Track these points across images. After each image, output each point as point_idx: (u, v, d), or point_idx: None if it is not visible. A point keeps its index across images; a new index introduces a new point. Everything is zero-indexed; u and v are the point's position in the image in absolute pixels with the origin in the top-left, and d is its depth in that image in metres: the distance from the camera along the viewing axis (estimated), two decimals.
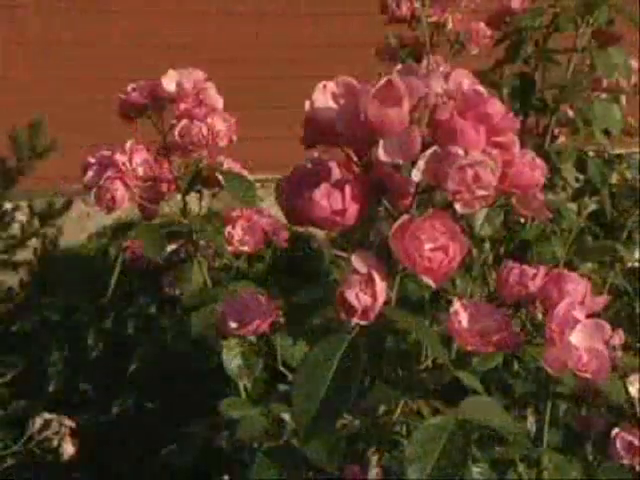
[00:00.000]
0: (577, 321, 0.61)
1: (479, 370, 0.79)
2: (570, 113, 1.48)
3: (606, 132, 1.46)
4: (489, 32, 1.35)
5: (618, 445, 0.99)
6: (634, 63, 1.52)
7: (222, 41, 3.01)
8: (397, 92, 0.55)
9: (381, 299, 0.56)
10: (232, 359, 1.05)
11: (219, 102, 1.11)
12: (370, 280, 0.56)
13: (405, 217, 0.56)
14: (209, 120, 1.08)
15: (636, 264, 1.46)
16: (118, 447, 1.60)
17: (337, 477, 0.74)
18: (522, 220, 1.36)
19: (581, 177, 1.51)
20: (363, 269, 0.56)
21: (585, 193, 1.50)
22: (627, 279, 1.45)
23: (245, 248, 1.11)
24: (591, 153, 1.53)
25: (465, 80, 0.59)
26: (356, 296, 0.55)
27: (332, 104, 0.59)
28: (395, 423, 0.77)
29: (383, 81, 0.55)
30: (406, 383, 0.74)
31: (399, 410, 0.76)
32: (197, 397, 1.58)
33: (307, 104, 0.59)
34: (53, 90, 2.83)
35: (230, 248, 1.11)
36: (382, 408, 0.74)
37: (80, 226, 2.44)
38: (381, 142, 0.56)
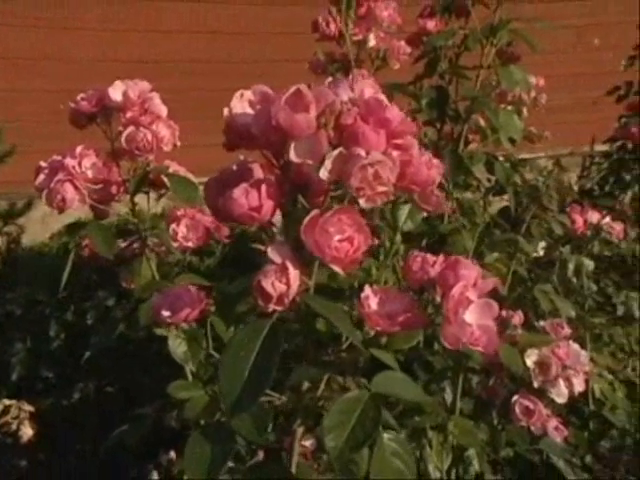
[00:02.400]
0: (470, 301, 0.62)
1: (402, 349, 0.80)
2: (481, 122, 1.50)
3: (511, 139, 1.49)
4: (408, 49, 1.36)
5: (517, 410, 1.01)
6: (533, 79, 1.56)
7: (176, 57, 2.98)
8: (305, 99, 0.55)
9: (295, 287, 0.56)
10: (178, 346, 1.04)
11: (163, 110, 1.09)
12: (284, 270, 0.55)
13: (315, 212, 0.56)
14: (154, 127, 1.06)
15: (541, 253, 1.50)
16: (78, 429, 1.57)
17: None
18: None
19: (492, 178, 1.54)
20: (278, 260, 0.56)
21: (495, 192, 1.54)
22: (534, 267, 1.49)
23: (189, 244, 1.10)
24: (500, 157, 1.56)
25: (368, 89, 0.59)
26: (271, 284, 0.55)
27: (249, 110, 0.59)
28: (320, 398, 0.77)
29: (293, 89, 0.55)
30: (327, 362, 0.74)
31: (322, 386, 0.76)
32: (151, 381, 1.56)
33: (226, 111, 0.58)
34: (19, 100, 2.75)
35: (175, 244, 1.09)
36: (306, 385, 0.74)
37: (44, 226, 2.38)
38: (292, 144, 0.56)
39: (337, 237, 0.55)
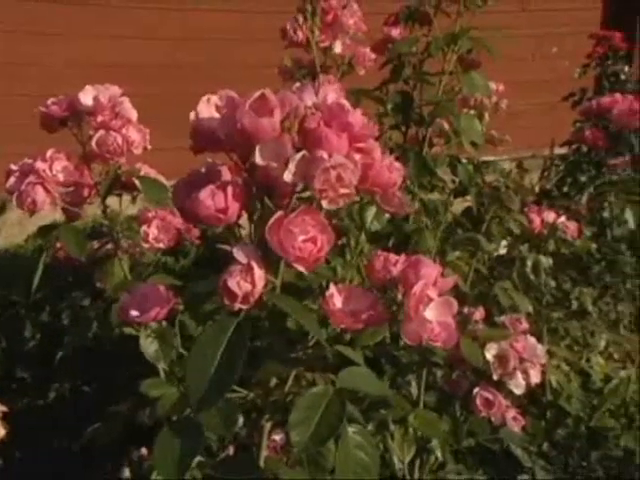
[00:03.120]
0: (430, 299, 0.62)
1: (369, 345, 0.80)
2: (445, 125, 1.51)
3: (473, 142, 1.50)
4: (373, 56, 1.37)
5: (478, 401, 1.02)
6: (494, 85, 1.58)
7: (147, 63, 2.95)
8: (269, 104, 0.54)
9: (260, 286, 0.55)
10: (150, 344, 1.03)
11: (134, 115, 1.08)
12: (250, 269, 0.55)
13: (279, 213, 0.56)
14: (124, 131, 1.05)
15: (503, 251, 1.52)
16: (54, 428, 1.54)
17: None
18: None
19: (457, 179, 1.56)
20: (243, 260, 0.55)
21: (459, 193, 1.55)
22: (496, 265, 1.51)
23: (160, 245, 1.09)
24: (464, 159, 1.58)
25: (331, 94, 0.59)
26: (237, 284, 0.54)
27: (216, 115, 0.58)
28: (288, 394, 0.77)
29: (257, 94, 0.55)
30: (295, 359, 0.74)
31: (290, 382, 0.75)
32: (125, 380, 1.53)
33: (192, 115, 0.58)
34: None
35: (146, 245, 1.08)
36: (274, 381, 0.73)
37: (20, 228, 2.33)
38: (257, 148, 0.55)
39: (301, 237, 0.55)
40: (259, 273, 0.55)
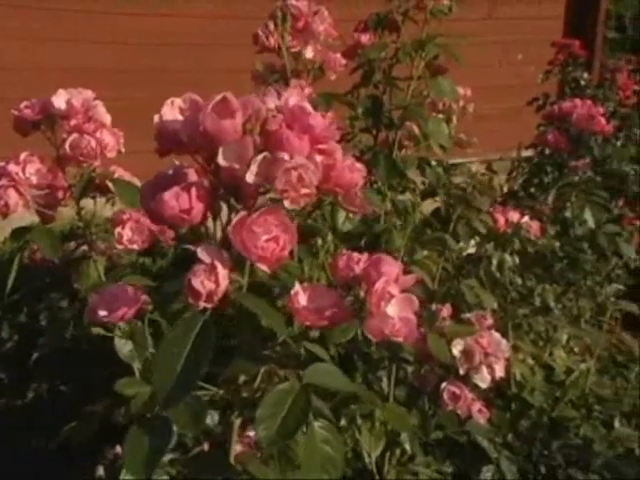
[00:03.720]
0: (392, 296, 0.62)
1: (342, 342, 0.80)
2: (415, 129, 1.52)
3: (441, 145, 1.51)
4: (344, 61, 1.37)
5: (445, 396, 1.03)
6: (461, 90, 1.59)
7: (125, 67, 2.92)
8: (231, 107, 0.54)
9: (224, 285, 0.55)
10: (124, 344, 1.02)
11: (107, 118, 1.07)
12: (213, 269, 0.54)
13: (242, 213, 0.55)
14: (98, 134, 1.04)
15: (472, 250, 1.53)
16: (32, 428, 1.51)
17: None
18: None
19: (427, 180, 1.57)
20: (207, 259, 0.55)
21: (428, 194, 1.56)
22: (465, 263, 1.51)
23: (134, 246, 1.07)
24: (434, 162, 1.58)
25: (293, 98, 0.58)
26: (201, 283, 0.54)
27: (180, 117, 0.57)
28: (257, 390, 0.76)
29: (219, 97, 0.54)
30: (264, 356, 0.73)
31: (259, 379, 0.75)
32: (103, 379, 1.51)
33: (156, 117, 0.57)
34: None
35: (120, 247, 1.06)
36: (243, 378, 0.73)
37: None
38: (220, 149, 0.55)
39: (264, 237, 0.55)
40: (223, 272, 0.55)
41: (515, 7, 3.62)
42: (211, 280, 0.54)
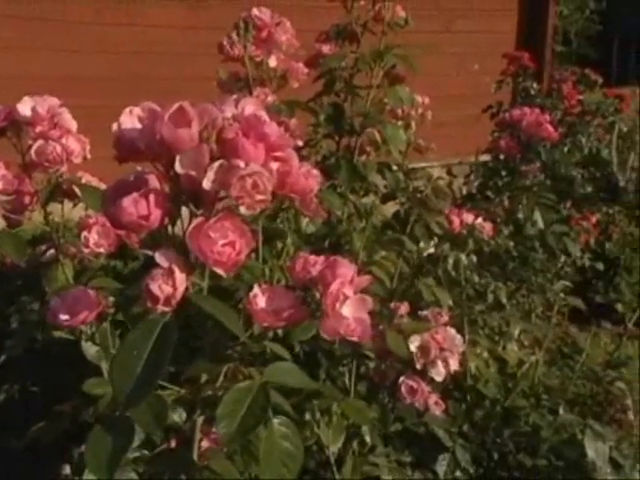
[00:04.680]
0: (346, 297, 0.62)
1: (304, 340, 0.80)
2: (376, 135, 1.53)
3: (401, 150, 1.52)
4: (306, 70, 1.36)
5: (403, 390, 1.03)
6: (419, 98, 1.60)
7: (95, 75, 2.87)
8: (188, 115, 0.53)
9: (181, 289, 0.54)
10: (90, 346, 1.00)
11: (73, 125, 1.05)
12: (171, 273, 0.54)
13: (199, 219, 0.55)
14: (63, 140, 1.02)
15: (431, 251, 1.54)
16: (3, 429, 1.47)
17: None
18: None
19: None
20: (165, 264, 0.54)
21: (388, 197, 1.57)
22: (425, 263, 1.53)
23: (101, 250, 1.05)
24: (395, 166, 1.59)
25: (249, 107, 0.58)
26: (158, 287, 0.53)
27: (138, 126, 0.57)
28: (220, 389, 0.75)
29: (176, 106, 0.53)
30: (226, 355, 0.72)
31: (222, 378, 0.74)
32: (73, 379, 1.48)
33: (114, 125, 0.56)
34: None
35: (87, 250, 1.04)
36: (204, 377, 0.72)
37: None
38: (177, 157, 0.54)
39: (220, 242, 0.54)
40: (180, 277, 0.54)
41: (471, 21, 3.68)
42: (169, 284, 0.53)
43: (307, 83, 1.45)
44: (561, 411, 1.18)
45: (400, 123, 1.58)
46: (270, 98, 1.31)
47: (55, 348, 1.56)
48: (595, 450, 1.07)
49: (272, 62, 1.27)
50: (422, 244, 1.47)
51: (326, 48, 1.38)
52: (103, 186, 1.11)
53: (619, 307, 1.48)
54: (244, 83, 1.32)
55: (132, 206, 0.54)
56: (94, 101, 2.51)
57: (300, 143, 1.54)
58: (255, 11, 1.28)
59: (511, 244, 1.73)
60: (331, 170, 1.42)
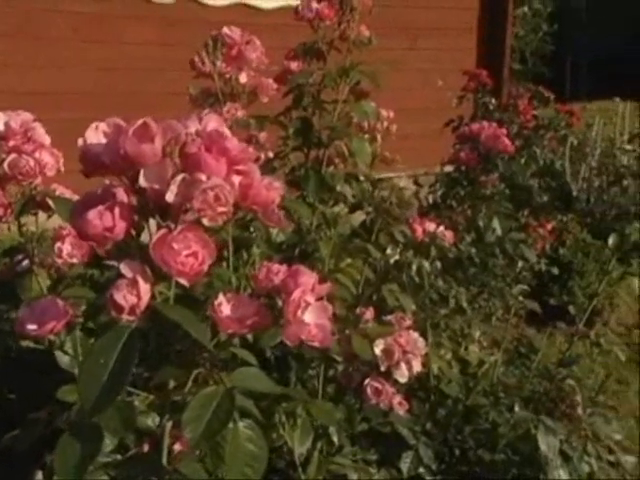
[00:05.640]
0: (308, 304, 0.62)
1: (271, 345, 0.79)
2: (344, 147, 1.54)
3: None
4: (275, 86, 1.37)
5: (369, 391, 1.04)
6: (384, 112, 1.62)
7: (72, 90, 2.84)
8: (151, 131, 0.53)
9: (145, 298, 0.54)
10: (63, 354, 0.99)
11: (47, 139, 1.03)
12: (135, 283, 0.53)
13: (163, 231, 0.54)
14: (37, 154, 1.00)
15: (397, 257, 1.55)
16: None
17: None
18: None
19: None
20: (129, 274, 0.54)
21: (355, 207, 1.58)
22: (392, 269, 1.54)
23: (74, 260, 1.04)
24: (362, 177, 1.60)
25: (211, 123, 0.58)
26: (123, 297, 0.53)
27: (104, 140, 0.56)
28: (189, 394, 0.75)
29: (140, 122, 0.53)
30: (192, 360, 0.72)
31: (190, 383, 0.74)
32: (49, 387, 1.45)
33: (80, 141, 0.55)
34: None
35: (60, 261, 1.03)
36: (172, 383, 0.71)
37: None
38: (141, 171, 0.54)
39: (184, 252, 0.54)
40: (145, 287, 0.54)
41: (435, 39, 3.74)
42: (133, 294, 0.53)
43: (277, 98, 1.46)
44: (517, 408, 1.20)
45: (366, 136, 1.59)
46: (240, 113, 1.31)
47: (31, 356, 1.53)
48: (547, 444, 1.09)
49: (242, 78, 1.28)
50: (389, 251, 1.48)
51: (294, 65, 1.39)
52: (77, 198, 1.10)
53: (571, 309, 1.52)
54: (215, 98, 1.32)
55: (97, 218, 0.54)
56: (69, 114, 2.48)
57: (270, 155, 1.55)
58: (226, 30, 1.29)
59: (473, 250, 1.76)
60: (300, 181, 1.43)
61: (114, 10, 3.05)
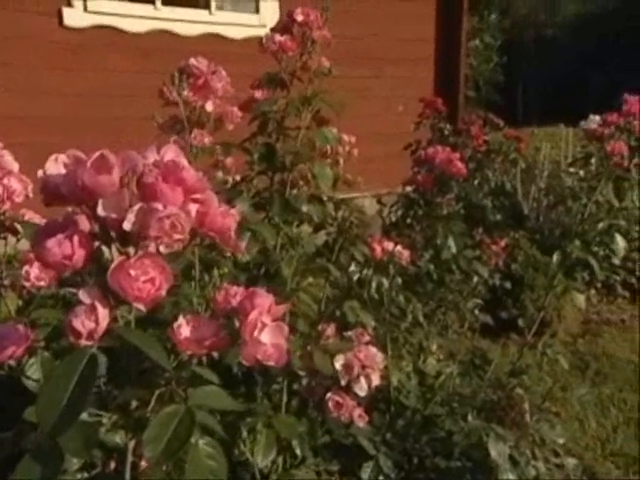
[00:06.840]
0: (264, 325, 0.63)
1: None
2: (307, 170, 1.55)
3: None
4: (240, 114, 1.38)
5: (330, 404, 1.04)
6: (346, 137, 1.64)
7: (49, 115, 2.80)
8: (108, 163, 0.53)
9: (104, 324, 0.53)
10: (32, 375, 0.96)
11: (15, 166, 1.02)
12: (93, 309, 0.53)
13: (121, 258, 0.54)
14: (5, 181, 0.99)
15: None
16: None
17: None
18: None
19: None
20: (88, 300, 0.53)
21: (318, 227, 1.59)
22: (355, 287, 1.55)
23: (42, 283, 1.02)
24: (325, 198, 1.61)
25: (169, 153, 0.58)
26: (81, 323, 0.52)
27: (63, 172, 0.56)
28: (151, 412, 0.74)
29: (97, 154, 0.53)
30: (153, 380, 0.71)
31: (153, 402, 0.73)
32: (16, 407, 1.41)
33: (40, 172, 0.55)
34: None
35: (28, 284, 1.01)
36: (134, 403, 0.71)
37: None
38: (100, 201, 0.54)
39: (141, 279, 0.54)
40: (103, 312, 0.53)
41: (397, 68, 3.82)
42: (91, 320, 0.52)
43: (242, 125, 1.47)
44: (470, 418, 1.22)
45: (328, 160, 1.61)
46: (207, 139, 1.31)
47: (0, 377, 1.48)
48: (497, 451, 1.11)
49: (209, 107, 1.28)
50: (352, 268, 1.49)
51: (259, 94, 1.40)
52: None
53: (520, 322, 1.55)
54: (182, 126, 1.32)
55: (56, 247, 0.53)
56: (42, 139, 2.44)
57: (237, 179, 1.55)
58: (193, 61, 1.29)
59: (431, 267, 1.79)
60: (265, 203, 1.44)
61: (89, 39, 3.04)
